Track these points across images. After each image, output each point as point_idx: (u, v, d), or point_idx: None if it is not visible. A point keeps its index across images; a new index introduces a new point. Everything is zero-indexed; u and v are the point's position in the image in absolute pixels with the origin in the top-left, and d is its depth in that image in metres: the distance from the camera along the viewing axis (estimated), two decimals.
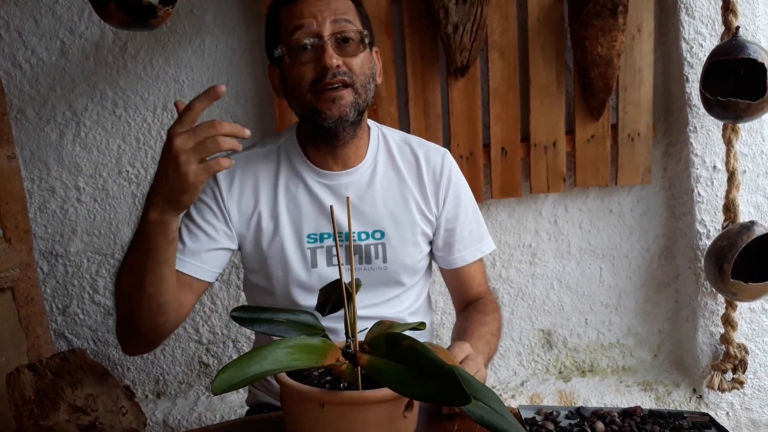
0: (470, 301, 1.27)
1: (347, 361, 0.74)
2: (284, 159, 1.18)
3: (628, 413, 0.96)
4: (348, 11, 1.09)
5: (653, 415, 0.95)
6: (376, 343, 0.74)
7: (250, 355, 0.68)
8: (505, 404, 2.12)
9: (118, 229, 2.07)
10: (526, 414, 0.96)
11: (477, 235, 1.26)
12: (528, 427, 0.91)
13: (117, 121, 2.03)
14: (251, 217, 1.16)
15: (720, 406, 1.88)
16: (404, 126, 1.89)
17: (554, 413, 0.96)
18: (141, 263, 0.96)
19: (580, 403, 1.93)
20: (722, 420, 1.88)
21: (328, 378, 0.79)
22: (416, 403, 0.77)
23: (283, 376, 0.76)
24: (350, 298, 0.79)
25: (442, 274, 1.32)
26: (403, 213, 1.19)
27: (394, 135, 1.24)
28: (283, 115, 1.88)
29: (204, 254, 1.13)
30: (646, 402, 1.90)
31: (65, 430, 1.40)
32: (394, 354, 0.70)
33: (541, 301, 2.05)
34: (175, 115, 0.89)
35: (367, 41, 1.10)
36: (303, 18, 1.06)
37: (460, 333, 1.15)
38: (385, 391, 0.71)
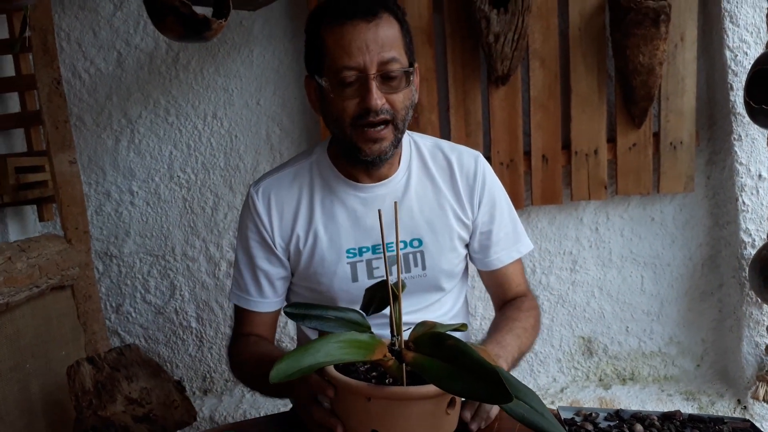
0: (508, 301, 1.29)
1: (393, 357, 0.78)
2: (317, 176, 1.21)
3: (667, 417, 0.97)
4: (395, 44, 1.06)
5: (693, 419, 0.96)
6: (421, 341, 0.78)
7: (305, 348, 0.72)
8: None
9: (169, 232, 2.15)
10: (565, 415, 0.98)
11: (513, 236, 1.28)
12: (567, 428, 0.93)
13: (169, 128, 2.12)
14: (291, 239, 1.20)
15: (766, 417, 1.85)
16: (445, 134, 1.93)
17: (593, 415, 0.98)
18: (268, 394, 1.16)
19: None
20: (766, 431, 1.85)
21: (374, 374, 0.83)
22: (458, 402, 0.81)
23: (332, 371, 0.81)
24: (396, 298, 0.83)
25: (481, 276, 1.34)
26: (440, 219, 1.21)
27: (426, 141, 1.27)
28: None
29: (276, 288, 1.23)
30: (689, 411, 1.87)
31: (121, 421, 1.47)
32: (439, 352, 0.74)
33: (582, 309, 2.05)
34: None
35: (411, 77, 1.10)
36: (350, 55, 1.03)
37: (492, 329, 1.18)
38: (429, 388, 0.75)
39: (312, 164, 1.22)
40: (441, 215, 1.21)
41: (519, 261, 1.30)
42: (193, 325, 2.18)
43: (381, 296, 0.89)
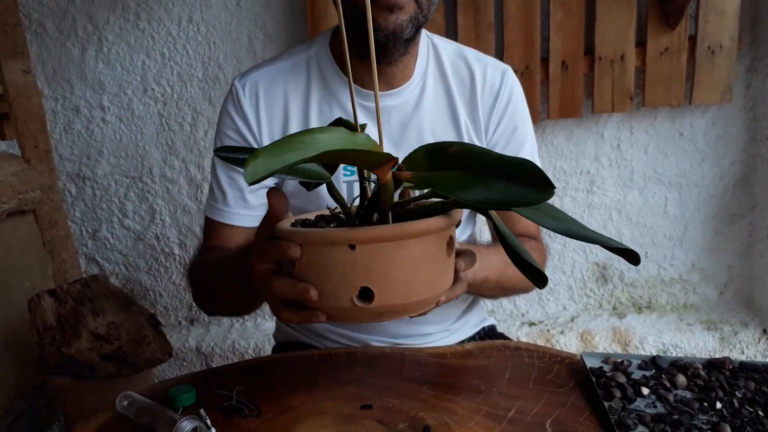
0: None
1: (392, 172, 0.58)
2: (315, 73, 1.01)
3: (714, 365, 0.81)
4: None
5: (745, 368, 0.80)
6: (414, 160, 0.58)
7: (286, 140, 0.52)
8: (556, 342, 1.94)
9: (145, 151, 1.96)
10: (591, 363, 0.82)
11: None
12: (595, 379, 0.77)
13: (140, 35, 1.88)
14: None
15: None
16: (451, 36, 1.69)
17: (625, 363, 0.81)
18: (234, 298, 0.90)
19: (635, 341, 1.79)
20: None
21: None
22: (455, 241, 0.64)
23: (291, 227, 0.63)
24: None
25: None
26: (453, 140, 1.02)
27: (447, 47, 1.05)
28: (316, 25, 1.70)
29: (260, 197, 1.03)
30: (709, 342, 1.74)
31: (87, 359, 1.33)
32: (443, 163, 0.55)
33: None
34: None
35: None
36: None
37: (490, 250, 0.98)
38: (429, 222, 0.57)
39: (310, 59, 1.02)
40: (455, 137, 1.02)
41: None
42: (176, 251, 2.03)
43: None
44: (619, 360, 0.82)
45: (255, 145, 1.00)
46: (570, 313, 1.95)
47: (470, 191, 0.51)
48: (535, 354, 0.88)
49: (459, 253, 0.69)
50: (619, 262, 1.89)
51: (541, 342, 1.86)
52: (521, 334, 1.88)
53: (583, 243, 1.88)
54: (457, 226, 0.69)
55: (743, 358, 1.73)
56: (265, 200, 1.04)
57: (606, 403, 0.72)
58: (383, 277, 0.58)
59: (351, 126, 0.63)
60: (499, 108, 1.02)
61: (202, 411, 0.73)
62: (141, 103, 1.92)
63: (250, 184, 0.46)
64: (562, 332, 1.87)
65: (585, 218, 1.87)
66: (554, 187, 0.48)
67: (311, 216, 0.70)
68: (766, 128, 1.70)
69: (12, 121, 1.56)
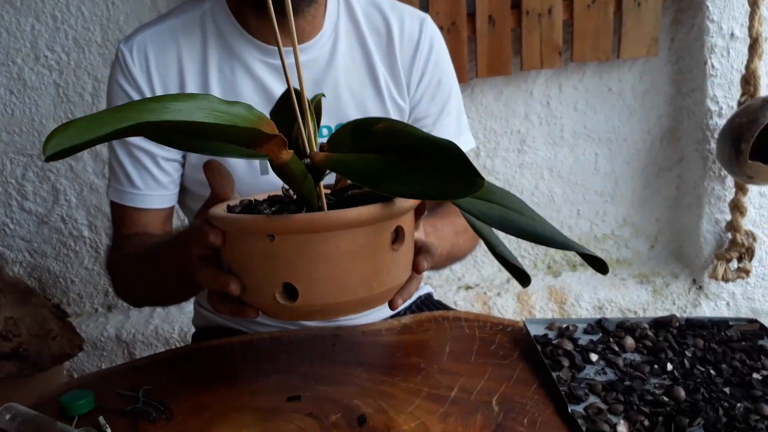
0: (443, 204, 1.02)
1: (292, 152, 0.49)
2: (212, 31, 0.89)
3: (661, 324, 0.77)
4: None
5: (692, 325, 0.77)
6: (339, 137, 0.51)
7: (125, 107, 0.41)
8: (493, 304, 1.89)
9: (42, 126, 1.77)
10: (535, 330, 0.77)
11: (456, 127, 1.01)
12: (540, 348, 0.72)
13: None
14: None
15: (720, 296, 1.75)
16: None
17: (570, 328, 0.77)
18: (168, 289, 0.80)
19: (571, 299, 1.78)
20: (722, 311, 1.75)
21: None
22: (408, 234, 0.56)
23: (217, 210, 0.55)
24: (303, 112, 0.54)
25: None
26: (373, 99, 0.93)
27: None
28: None
29: (168, 172, 0.91)
30: (642, 295, 1.75)
31: None
32: (366, 144, 0.48)
33: (530, 193, 1.85)
34: None
35: None
36: None
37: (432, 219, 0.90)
38: (359, 211, 0.49)
39: (204, 15, 0.90)
40: (375, 94, 0.93)
41: None
42: (86, 233, 1.86)
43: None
44: (564, 325, 0.77)
45: None
46: (506, 274, 1.93)
47: (391, 183, 0.44)
48: (476, 324, 0.82)
49: (419, 248, 0.61)
50: (552, 221, 1.83)
51: (478, 305, 1.83)
52: (458, 299, 1.84)
53: None
54: (420, 213, 0.61)
55: (675, 308, 1.76)
56: (177, 175, 0.93)
57: (554, 374, 0.66)
58: (307, 273, 0.50)
59: (298, 94, 0.54)
60: (420, 60, 0.94)
61: (101, 419, 0.63)
62: (33, 73, 1.73)
63: (47, 159, 0.36)
64: (498, 294, 1.84)
65: (517, 179, 1.83)
66: (483, 179, 0.42)
67: (262, 197, 0.61)
68: (691, 81, 1.70)
69: None
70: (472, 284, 1.92)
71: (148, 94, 0.87)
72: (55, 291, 1.93)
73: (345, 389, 0.68)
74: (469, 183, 0.41)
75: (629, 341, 0.73)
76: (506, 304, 1.82)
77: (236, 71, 0.88)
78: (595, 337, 0.75)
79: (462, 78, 1.65)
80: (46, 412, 0.65)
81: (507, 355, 0.74)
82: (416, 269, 0.58)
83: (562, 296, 1.81)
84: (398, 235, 0.53)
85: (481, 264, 1.94)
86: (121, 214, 0.93)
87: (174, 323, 1.84)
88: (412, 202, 0.55)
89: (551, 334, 0.76)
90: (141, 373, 0.74)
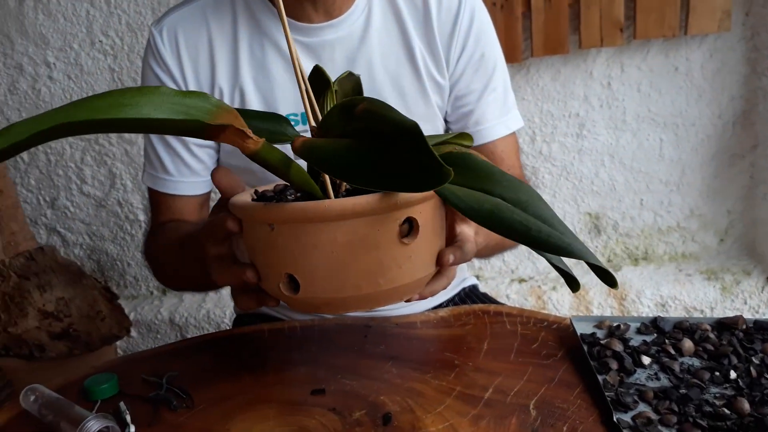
0: None
1: (263, 140, 0.46)
2: (242, 10, 0.86)
3: (725, 326, 0.69)
4: None
5: (761, 328, 0.69)
6: (330, 122, 0.48)
7: (77, 103, 0.38)
8: (548, 299, 1.79)
9: None
10: (582, 329, 0.70)
11: (503, 104, 0.94)
12: (587, 348, 0.66)
13: None
14: (211, 93, 0.87)
15: None
16: None
17: (621, 327, 0.70)
18: (197, 280, 0.77)
19: (632, 295, 1.69)
20: None
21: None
22: (431, 227, 0.51)
23: (239, 197, 0.53)
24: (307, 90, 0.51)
25: None
26: (410, 78, 0.88)
27: None
28: None
29: (201, 159, 0.90)
30: (710, 293, 1.64)
31: (36, 339, 1.22)
32: (351, 127, 0.44)
33: (589, 181, 1.75)
34: None
35: None
36: None
37: None
38: (355, 200, 0.46)
39: None
40: (412, 72, 0.87)
41: (513, 137, 0.96)
42: (141, 217, 1.89)
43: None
44: (615, 324, 0.71)
45: None
46: None
47: (356, 174, 0.40)
48: (519, 319, 0.76)
49: (452, 240, 0.57)
50: (613, 212, 1.77)
51: (531, 300, 1.76)
52: (511, 292, 1.78)
53: (575, 191, 1.77)
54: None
55: (746, 308, 1.64)
56: (211, 161, 0.92)
57: (600, 377, 0.60)
58: (305, 265, 0.47)
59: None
60: (459, 32, 0.88)
61: (121, 404, 0.62)
62: (89, 58, 1.76)
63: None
64: (554, 288, 1.76)
65: (575, 165, 1.74)
66: (449, 171, 0.37)
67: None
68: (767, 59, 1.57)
69: None
70: (526, 277, 1.84)
71: (178, 77, 0.85)
72: (112, 273, 1.98)
73: (372, 384, 0.64)
74: (431, 175, 0.37)
75: (688, 344, 0.66)
76: (562, 299, 1.74)
77: (266, 50, 0.85)
78: (648, 338, 0.68)
79: (516, 57, 1.57)
80: (71, 395, 0.65)
81: (550, 354, 0.68)
82: (439, 262, 0.53)
83: (622, 292, 1.71)
84: (412, 228, 0.49)
85: (536, 257, 1.86)
86: (156, 200, 0.92)
87: (225, 308, 1.85)
88: (427, 192, 0.50)
89: (600, 334, 0.70)
90: (168, 359, 0.73)
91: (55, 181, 1.89)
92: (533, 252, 1.85)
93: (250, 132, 0.43)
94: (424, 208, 0.49)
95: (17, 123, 0.35)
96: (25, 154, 1.85)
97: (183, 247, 0.76)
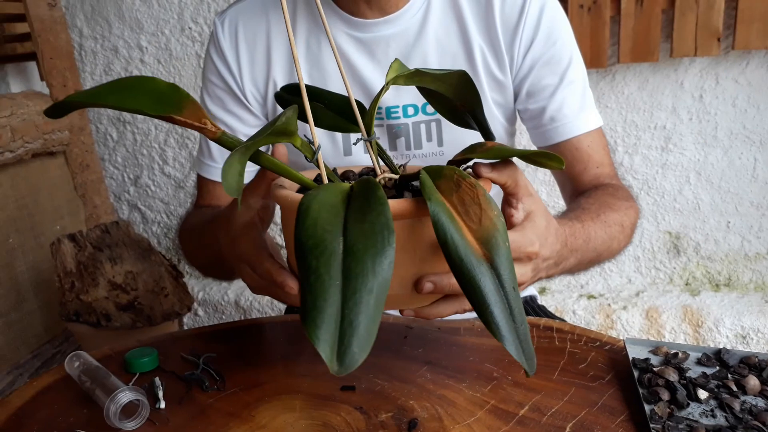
0: (586, 189, 0.89)
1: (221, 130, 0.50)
2: (302, 4, 0.86)
3: None
4: None
5: None
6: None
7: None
8: (617, 318, 1.68)
9: None
10: (636, 353, 0.66)
11: (581, 100, 0.89)
12: (637, 374, 0.61)
13: None
14: (267, 87, 0.88)
15: None
16: None
17: (680, 355, 0.65)
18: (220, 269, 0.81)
19: (709, 323, 1.58)
20: None
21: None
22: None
23: (280, 182, 0.56)
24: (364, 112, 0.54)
25: None
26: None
27: None
28: None
29: None
30: None
31: (103, 308, 1.28)
32: None
33: (672, 197, 1.65)
34: None
35: None
36: None
37: (576, 207, 0.79)
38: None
39: None
40: (468, 68, 0.85)
41: (599, 133, 0.90)
42: None
43: None
44: (673, 351, 0.65)
45: (237, 92, 0.88)
46: (635, 287, 1.75)
47: None
48: (569, 336, 0.72)
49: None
50: (695, 232, 1.66)
51: (599, 318, 1.68)
52: (578, 308, 1.71)
53: (655, 208, 1.67)
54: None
55: None
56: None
57: (648, 407, 0.56)
58: None
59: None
60: (526, 27, 0.83)
61: (156, 379, 0.63)
62: (179, 44, 1.83)
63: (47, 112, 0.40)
64: (624, 308, 1.68)
65: (658, 180, 1.65)
66: None
67: (358, 169, 0.63)
68: None
69: (39, 58, 1.50)
70: (596, 294, 1.77)
71: (234, 68, 0.87)
72: None
73: (404, 387, 0.62)
74: None
75: (753, 381, 0.60)
76: (632, 320, 1.65)
77: (322, 45, 0.85)
78: (709, 371, 0.63)
79: (601, 63, 1.50)
80: (113, 366, 0.67)
81: (597, 376, 0.64)
82: (416, 286, 0.51)
83: (698, 318, 1.61)
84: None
85: (609, 273, 1.78)
86: (200, 185, 0.94)
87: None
88: (392, 206, 0.47)
89: (654, 360, 0.65)
90: (209, 340, 0.74)
91: (139, 160, 1.98)
92: (606, 267, 1.75)
93: (210, 122, 0.48)
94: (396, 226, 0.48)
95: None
96: (114, 133, 1.95)
97: (207, 233, 0.76)
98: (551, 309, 1.77)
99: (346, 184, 0.47)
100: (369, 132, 0.58)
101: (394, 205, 0.46)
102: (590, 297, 1.75)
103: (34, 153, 1.44)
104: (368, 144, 0.58)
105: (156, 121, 1.93)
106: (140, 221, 2.07)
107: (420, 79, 0.60)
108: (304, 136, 0.54)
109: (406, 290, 0.51)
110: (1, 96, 1.40)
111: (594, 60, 1.49)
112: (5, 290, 1.40)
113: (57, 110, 0.49)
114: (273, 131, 0.47)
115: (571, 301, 1.74)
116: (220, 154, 0.90)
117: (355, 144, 0.83)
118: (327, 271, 0.37)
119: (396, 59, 0.61)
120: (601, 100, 1.60)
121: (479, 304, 0.41)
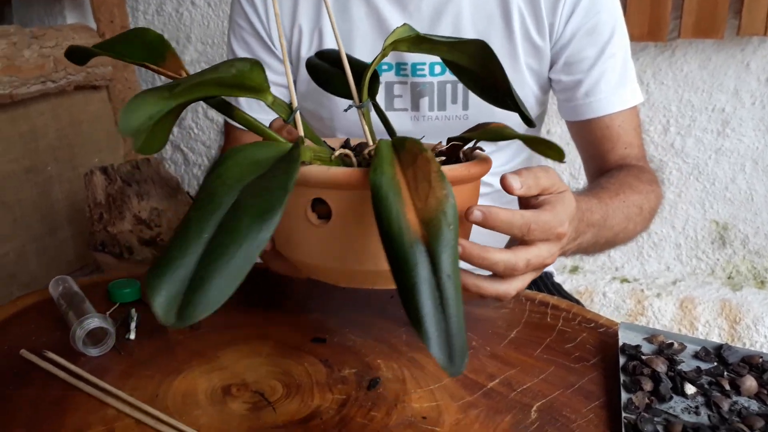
0: (610, 169, 0.85)
1: None
2: None
3: None
4: None
5: None
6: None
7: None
8: (649, 305, 1.63)
9: None
10: (628, 338, 0.61)
11: (621, 76, 0.83)
12: (624, 359, 0.57)
13: None
14: (291, 33, 0.86)
15: None
16: None
17: (675, 346, 0.60)
18: None
19: (747, 321, 1.49)
20: None
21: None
22: (344, 218, 0.51)
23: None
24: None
25: (570, 131, 0.91)
26: (501, 35, 0.80)
27: None
28: None
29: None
30: None
31: (127, 241, 1.31)
32: None
33: (723, 185, 1.55)
34: None
35: None
36: None
37: (595, 186, 0.76)
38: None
39: None
40: (504, 31, 0.80)
41: (633, 112, 0.85)
42: None
43: None
44: (668, 341, 0.61)
45: (264, 36, 0.87)
46: (673, 275, 1.67)
47: None
48: (563, 314, 0.68)
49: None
50: (745, 224, 1.56)
51: (630, 303, 1.62)
52: (609, 291, 1.64)
53: (704, 195, 1.58)
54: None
55: None
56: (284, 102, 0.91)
57: (625, 395, 0.52)
58: None
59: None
60: None
61: (132, 310, 0.63)
62: None
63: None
64: (658, 295, 1.60)
65: (710, 166, 1.55)
66: None
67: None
68: None
69: None
70: (630, 278, 1.69)
71: (262, 12, 0.86)
72: None
73: (376, 346, 0.60)
74: None
75: (749, 382, 0.55)
76: (665, 308, 1.58)
77: None
78: (705, 366, 0.58)
79: (660, 36, 1.41)
80: (94, 294, 0.67)
81: (582, 358, 0.60)
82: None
83: (737, 314, 1.52)
84: (326, 210, 0.47)
85: (647, 257, 1.70)
86: (227, 131, 0.94)
87: None
88: (331, 174, 0.46)
89: (647, 348, 0.60)
90: None
91: None
92: (644, 251, 1.68)
93: (185, 72, 0.51)
94: (341, 195, 0.46)
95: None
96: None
97: None
98: (581, 288, 1.71)
99: (288, 145, 0.45)
100: (368, 97, 0.56)
101: (338, 172, 0.45)
102: (623, 280, 1.68)
103: (76, 85, 1.46)
104: (360, 112, 0.56)
105: (203, 63, 1.94)
106: (182, 162, 2.10)
107: (429, 46, 0.56)
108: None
109: (363, 266, 0.49)
110: (50, 27, 1.43)
111: (653, 33, 1.40)
112: (41, 216, 1.45)
113: (74, 55, 0.54)
114: (235, 85, 0.46)
115: (603, 283, 1.67)
116: (247, 102, 0.89)
117: (346, 111, 0.81)
118: (198, 223, 0.35)
119: (405, 24, 0.57)
120: (657, 77, 1.50)
121: (404, 290, 0.37)
